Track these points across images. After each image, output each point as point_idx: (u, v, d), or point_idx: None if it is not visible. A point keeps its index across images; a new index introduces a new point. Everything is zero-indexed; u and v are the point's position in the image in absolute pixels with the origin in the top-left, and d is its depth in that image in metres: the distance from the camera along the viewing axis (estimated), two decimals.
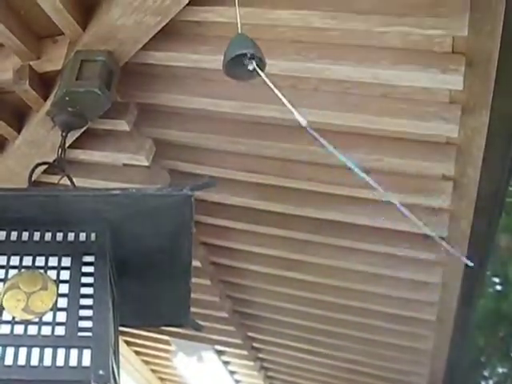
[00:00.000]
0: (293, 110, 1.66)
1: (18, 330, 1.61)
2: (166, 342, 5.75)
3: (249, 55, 1.74)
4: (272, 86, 1.70)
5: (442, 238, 3.12)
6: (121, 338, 5.40)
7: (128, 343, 6.04)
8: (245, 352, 5.44)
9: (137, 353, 6.35)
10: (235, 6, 1.82)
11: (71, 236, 1.81)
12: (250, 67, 1.74)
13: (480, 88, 2.33)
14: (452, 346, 4.26)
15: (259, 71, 1.74)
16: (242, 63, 1.77)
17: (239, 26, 1.77)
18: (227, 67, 1.81)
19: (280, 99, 1.69)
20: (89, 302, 1.69)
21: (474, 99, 2.39)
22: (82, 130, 2.52)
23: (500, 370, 11.59)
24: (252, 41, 1.79)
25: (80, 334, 1.62)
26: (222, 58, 1.81)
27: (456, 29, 2.13)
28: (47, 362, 1.56)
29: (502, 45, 2.13)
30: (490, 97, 2.34)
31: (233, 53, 1.77)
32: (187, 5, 2.20)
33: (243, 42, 1.78)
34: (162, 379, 6.96)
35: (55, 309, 1.66)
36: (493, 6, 2.02)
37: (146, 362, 6.60)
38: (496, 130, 2.49)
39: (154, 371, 6.81)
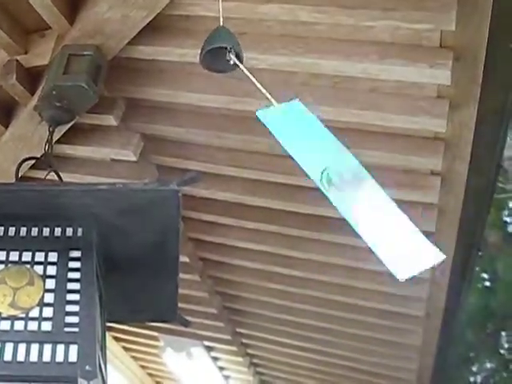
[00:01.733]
0: (272, 99, 1.66)
1: (4, 325, 1.60)
2: (155, 338, 5.75)
3: (228, 48, 1.74)
4: (251, 76, 1.70)
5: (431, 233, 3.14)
6: (109, 334, 5.36)
7: (117, 339, 6.03)
8: (234, 348, 5.44)
9: (125, 349, 6.34)
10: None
11: (58, 231, 1.80)
12: (231, 61, 1.74)
13: (468, 83, 2.34)
14: (440, 342, 4.27)
15: (237, 62, 1.74)
16: (218, 56, 1.77)
17: (221, 19, 1.77)
18: (204, 59, 1.81)
19: (264, 93, 1.68)
20: (75, 297, 1.68)
21: (462, 94, 2.39)
22: (70, 124, 2.50)
23: (488, 366, 11.65)
24: (231, 34, 1.79)
25: (66, 329, 1.61)
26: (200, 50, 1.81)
27: (444, 23, 2.13)
28: (34, 357, 1.55)
29: (489, 40, 2.13)
30: (477, 91, 2.35)
31: (210, 45, 1.76)
32: None
33: (222, 35, 1.77)
34: (151, 375, 6.96)
35: (42, 304, 1.64)
36: (480, 1, 2.03)
37: (135, 358, 6.60)
38: (484, 124, 2.50)
39: (143, 367, 6.81)
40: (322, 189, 1.58)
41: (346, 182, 1.59)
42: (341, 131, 2.69)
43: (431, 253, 1.49)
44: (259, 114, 1.66)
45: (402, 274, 1.45)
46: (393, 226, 1.54)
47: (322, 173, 1.60)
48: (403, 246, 1.50)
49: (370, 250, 3.41)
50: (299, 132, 1.68)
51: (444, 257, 1.48)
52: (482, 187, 2.89)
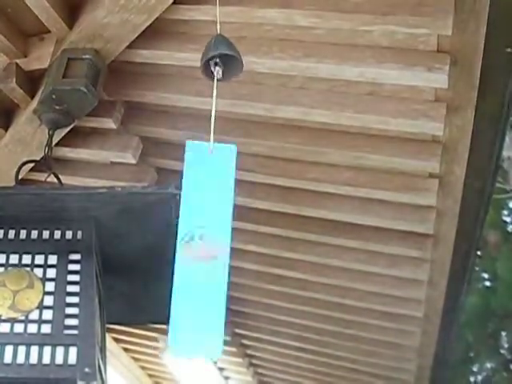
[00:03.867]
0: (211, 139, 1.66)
1: (4, 328, 1.61)
2: (155, 339, 5.75)
3: (214, 63, 1.75)
4: (214, 96, 1.71)
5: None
6: (109, 335, 5.34)
7: (117, 340, 6.03)
8: (233, 349, 5.44)
9: (126, 350, 6.34)
10: (219, 4, 1.82)
11: (57, 234, 1.81)
12: (214, 72, 1.75)
13: (465, 86, 2.35)
14: (439, 343, 4.28)
15: (217, 75, 1.75)
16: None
17: (218, 26, 1.78)
18: (204, 68, 1.82)
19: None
20: (75, 299, 1.69)
21: (459, 97, 2.40)
22: (69, 128, 2.52)
23: (488, 366, 11.65)
24: (229, 42, 1.79)
25: (66, 331, 1.62)
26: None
27: (440, 28, 2.14)
28: (33, 360, 1.56)
29: (486, 44, 2.15)
30: (474, 95, 2.36)
31: (209, 54, 1.77)
32: (173, 3, 2.20)
33: (219, 43, 1.78)
34: (151, 376, 6.95)
35: (41, 307, 1.66)
36: (476, 6, 2.04)
37: (135, 359, 6.59)
38: (481, 127, 2.51)
39: (143, 368, 6.80)
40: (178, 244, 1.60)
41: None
42: (338, 134, 2.74)
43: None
44: (188, 144, 1.67)
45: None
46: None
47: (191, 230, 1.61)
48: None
49: (369, 252, 3.44)
50: (206, 180, 1.67)
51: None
52: (480, 189, 2.90)
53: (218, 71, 1.74)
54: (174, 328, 1.56)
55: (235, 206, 3.33)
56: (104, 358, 1.78)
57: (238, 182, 3.10)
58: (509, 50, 2.19)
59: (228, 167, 1.69)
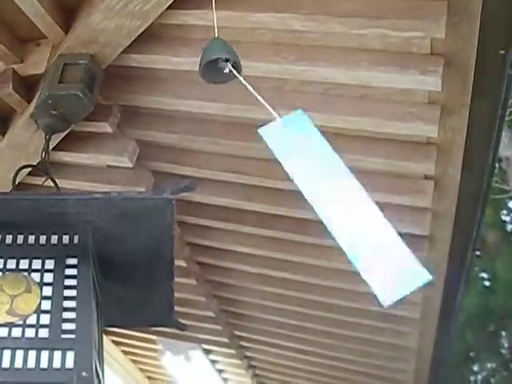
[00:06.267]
0: (271, 110, 1.67)
1: (2, 332, 1.62)
2: (153, 342, 5.77)
3: (224, 59, 1.76)
4: (249, 87, 1.72)
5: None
6: (108, 338, 5.34)
7: (115, 343, 6.04)
8: (232, 351, 5.45)
9: (124, 352, 6.35)
10: (213, 9, 1.84)
11: (54, 239, 1.82)
12: (226, 70, 1.77)
13: (458, 89, 2.36)
14: (437, 343, 4.29)
15: (236, 73, 1.76)
16: (216, 67, 1.79)
17: (216, 29, 1.79)
18: (203, 71, 1.83)
19: (259, 100, 1.70)
20: (72, 304, 1.70)
21: (453, 100, 2.42)
22: (66, 132, 2.53)
23: (489, 365, 11.67)
24: (228, 45, 1.81)
25: (63, 336, 1.63)
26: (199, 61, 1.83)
27: (433, 31, 2.15)
28: (31, 364, 1.57)
29: (479, 46, 2.16)
30: (468, 97, 2.37)
31: (208, 57, 1.79)
32: (168, 8, 2.22)
33: (219, 46, 1.80)
34: (150, 378, 6.97)
35: (39, 311, 1.67)
36: (469, 9, 2.05)
37: (134, 362, 6.60)
38: (475, 129, 2.52)
39: (142, 370, 6.81)
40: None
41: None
42: (332, 137, 2.74)
43: (420, 274, 1.48)
44: (261, 131, 1.67)
45: (387, 301, 1.44)
46: (384, 247, 1.53)
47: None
48: (391, 269, 1.49)
49: None
50: (298, 148, 1.69)
51: (430, 277, 1.47)
52: (476, 190, 2.91)
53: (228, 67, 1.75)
54: None
55: (232, 209, 3.37)
56: (101, 361, 1.79)
57: (234, 185, 3.15)
58: (502, 51, 2.20)
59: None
